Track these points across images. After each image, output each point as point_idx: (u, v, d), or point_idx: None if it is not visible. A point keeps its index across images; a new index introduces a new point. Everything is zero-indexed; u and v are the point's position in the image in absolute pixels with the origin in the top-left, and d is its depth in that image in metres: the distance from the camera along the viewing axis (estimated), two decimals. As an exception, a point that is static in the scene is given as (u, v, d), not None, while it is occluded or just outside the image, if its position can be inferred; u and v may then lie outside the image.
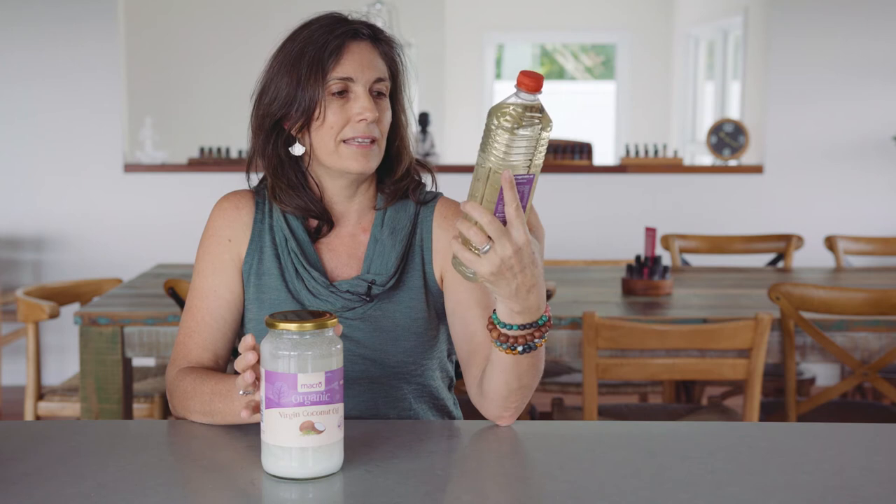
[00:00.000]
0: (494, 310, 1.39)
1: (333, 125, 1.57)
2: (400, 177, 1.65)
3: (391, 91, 1.63)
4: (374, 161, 1.59)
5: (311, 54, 1.57)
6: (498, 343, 1.39)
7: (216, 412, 1.47)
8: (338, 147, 1.58)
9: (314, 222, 1.66)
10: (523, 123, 1.23)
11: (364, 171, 1.59)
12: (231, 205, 1.67)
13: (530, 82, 1.23)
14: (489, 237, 1.27)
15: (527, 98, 1.24)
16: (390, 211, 1.65)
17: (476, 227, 1.27)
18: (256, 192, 1.69)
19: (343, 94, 1.57)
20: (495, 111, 1.24)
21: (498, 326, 1.38)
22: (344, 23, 1.60)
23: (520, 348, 1.38)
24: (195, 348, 1.60)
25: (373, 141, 1.58)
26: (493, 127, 1.24)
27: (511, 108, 1.24)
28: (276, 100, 1.59)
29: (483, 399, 1.51)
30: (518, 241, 1.27)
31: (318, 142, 1.59)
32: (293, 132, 1.61)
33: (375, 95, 1.59)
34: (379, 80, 1.58)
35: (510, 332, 1.38)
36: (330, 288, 1.60)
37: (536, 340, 1.38)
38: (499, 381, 1.46)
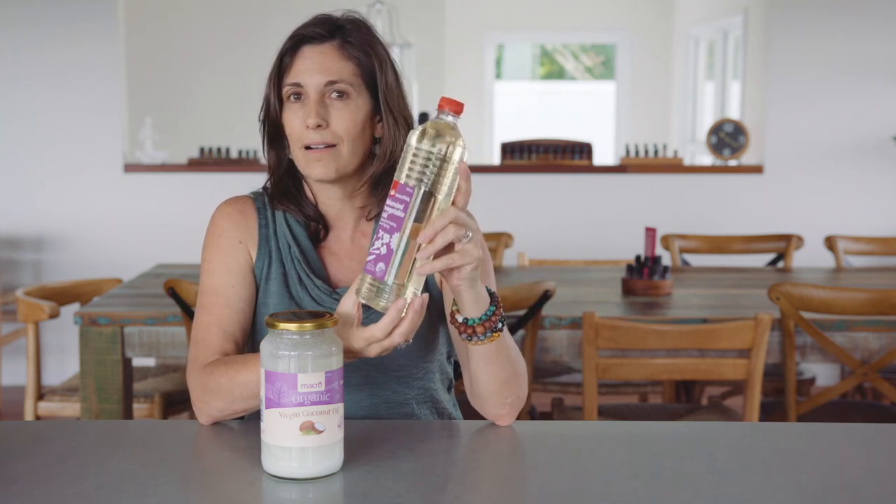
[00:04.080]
0: (466, 317, 1.42)
1: (291, 133, 1.57)
2: (384, 176, 1.61)
3: (372, 90, 1.60)
4: (332, 166, 1.56)
5: (275, 60, 1.59)
6: (485, 335, 1.43)
7: (251, 381, 1.44)
8: (301, 153, 1.57)
9: (314, 227, 1.65)
10: (426, 138, 1.29)
11: (323, 177, 1.57)
12: (236, 210, 1.64)
13: (456, 105, 1.30)
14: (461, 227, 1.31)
15: (440, 120, 1.30)
16: None
17: (448, 227, 1.30)
18: (255, 199, 1.67)
19: (298, 97, 1.57)
20: (433, 138, 1.29)
21: (477, 322, 1.42)
22: (308, 26, 1.59)
23: (500, 324, 1.44)
24: (216, 339, 1.55)
25: (329, 146, 1.55)
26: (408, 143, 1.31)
27: (451, 129, 1.30)
28: (262, 103, 1.62)
29: (479, 399, 1.53)
30: (466, 205, 1.33)
31: (291, 148, 1.60)
32: (283, 135, 1.62)
33: (335, 97, 1.56)
34: (332, 82, 1.55)
35: (492, 317, 1.42)
36: (332, 295, 1.60)
37: (503, 312, 1.45)
38: (489, 374, 1.48)
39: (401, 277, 1.30)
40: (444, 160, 1.28)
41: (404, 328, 1.33)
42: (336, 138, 1.56)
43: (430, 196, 1.28)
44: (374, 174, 1.61)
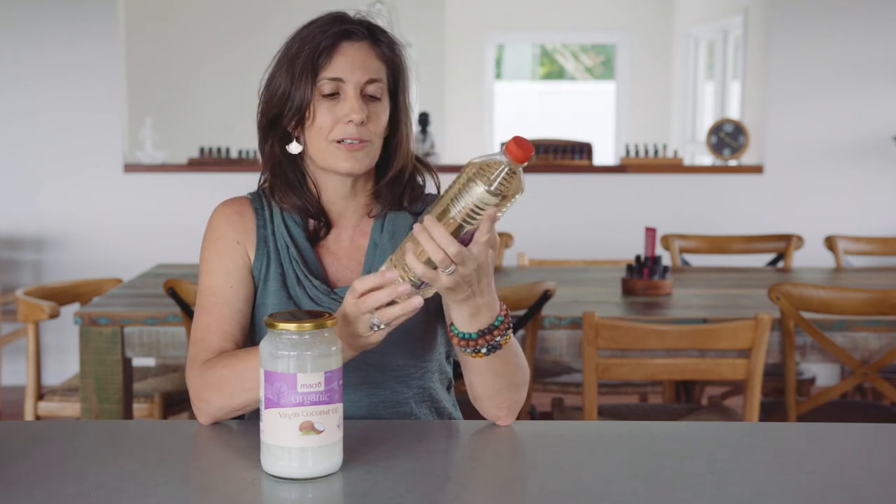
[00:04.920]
0: (452, 322, 1.43)
1: (322, 126, 1.57)
2: (393, 179, 1.63)
3: (393, 92, 1.62)
4: (364, 162, 1.58)
5: (304, 54, 1.57)
6: (464, 349, 1.44)
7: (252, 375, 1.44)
8: (328, 147, 1.57)
9: (313, 225, 1.65)
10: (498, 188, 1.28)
11: (353, 172, 1.58)
12: (233, 211, 1.64)
13: (518, 152, 1.27)
14: (452, 260, 1.30)
15: (511, 164, 1.28)
16: (390, 215, 1.65)
17: (440, 248, 1.30)
18: (252, 200, 1.67)
19: (334, 94, 1.57)
20: (474, 166, 1.28)
21: (458, 336, 1.43)
22: (341, 22, 1.59)
23: (484, 350, 1.43)
24: (216, 339, 1.55)
25: (363, 142, 1.57)
26: (468, 179, 1.28)
27: (494, 169, 1.27)
28: (273, 97, 1.60)
29: (476, 401, 1.54)
30: (480, 258, 1.33)
31: (311, 141, 1.59)
32: (290, 130, 1.61)
33: (368, 97, 1.57)
34: (372, 81, 1.57)
35: (470, 340, 1.43)
36: (331, 295, 1.60)
37: (498, 339, 1.43)
38: (480, 383, 1.49)
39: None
40: (475, 200, 1.28)
41: (378, 296, 1.33)
42: (371, 135, 1.57)
43: (445, 214, 1.30)
44: (388, 178, 1.62)
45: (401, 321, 1.36)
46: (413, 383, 1.62)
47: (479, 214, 1.28)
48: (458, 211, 1.29)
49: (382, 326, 1.36)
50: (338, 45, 1.57)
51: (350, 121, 1.55)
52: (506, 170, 1.27)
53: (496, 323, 1.42)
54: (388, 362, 1.59)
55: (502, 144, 1.30)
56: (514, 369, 1.50)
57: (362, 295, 1.34)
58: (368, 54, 1.59)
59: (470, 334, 1.42)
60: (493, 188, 1.27)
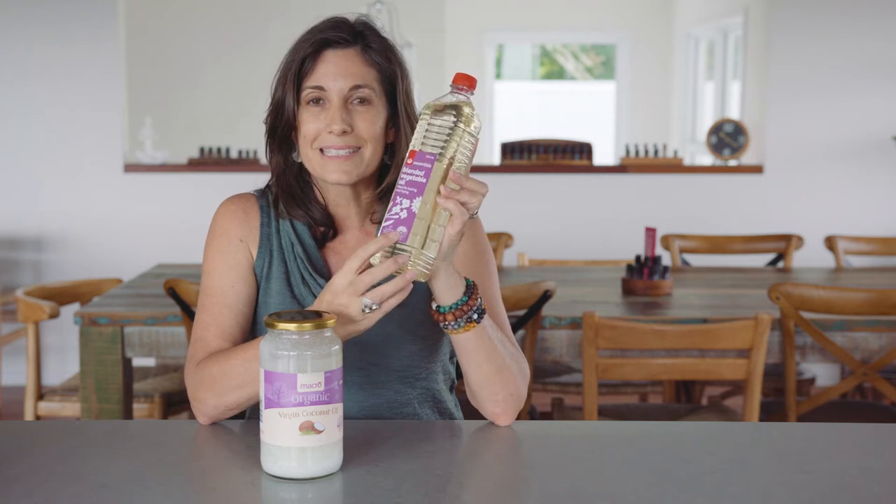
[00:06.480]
0: (438, 305, 1.45)
1: (307, 134, 1.57)
2: (391, 185, 1.62)
3: (390, 97, 1.61)
4: (353, 172, 1.56)
5: (293, 62, 1.58)
6: (457, 322, 1.45)
7: (249, 366, 1.44)
8: (315, 155, 1.57)
9: (320, 227, 1.65)
10: (442, 114, 1.35)
11: (342, 182, 1.57)
12: (237, 207, 1.64)
13: (461, 80, 1.36)
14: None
15: (455, 95, 1.36)
16: None
17: (479, 192, 1.36)
18: (258, 197, 1.67)
19: (318, 102, 1.56)
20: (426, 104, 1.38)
21: (450, 310, 1.44)
22: (329, 29, 1.58)
23: (475, 315, 1.45)
24: (214, 339, 1.55)
25: (351, 151, 1.56)
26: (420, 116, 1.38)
27: (436, 101, 1.37)
28: (271, 105, 1.61)
29: (472, 396, 1.54)
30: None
31: (301, 150, 1.59)
32: (293, 139, 1.61)
33: (357, 103, 1.56)
34: (357, 87, 1.56)
35: (447, 314, 1.44)
36: None
37: (480, 300, 1.46)
38: (470, 367, 1.50)
39: (420, 241, 1.33)
40: (461, 131, 1.33)
41: (375, 272, 1.34)
42: (360, 141, 1.56)
43: (449, 163, 1.33)
44: (390, 183, 1.60)
45: (394, 302, 1.36)
46: (418, 384, 1.62)
47: (470, 152, 1.35)
48: (463, 153, 1.34)
49: (375, 307, 1.36)
50: (321, 53, 1.57)
51: (331, 131, 1.54)
52: (469, 98, 1.36)
53: (469, 282, 1.46)
54: (394, 363, 1.59)
55: (451, 85, 1.36)
56: (505, 351, 1.52)
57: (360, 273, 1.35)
58: (353, 61, 1.57)
59: (462, 299, 1.43)
60: (477, 116, 1.35)
